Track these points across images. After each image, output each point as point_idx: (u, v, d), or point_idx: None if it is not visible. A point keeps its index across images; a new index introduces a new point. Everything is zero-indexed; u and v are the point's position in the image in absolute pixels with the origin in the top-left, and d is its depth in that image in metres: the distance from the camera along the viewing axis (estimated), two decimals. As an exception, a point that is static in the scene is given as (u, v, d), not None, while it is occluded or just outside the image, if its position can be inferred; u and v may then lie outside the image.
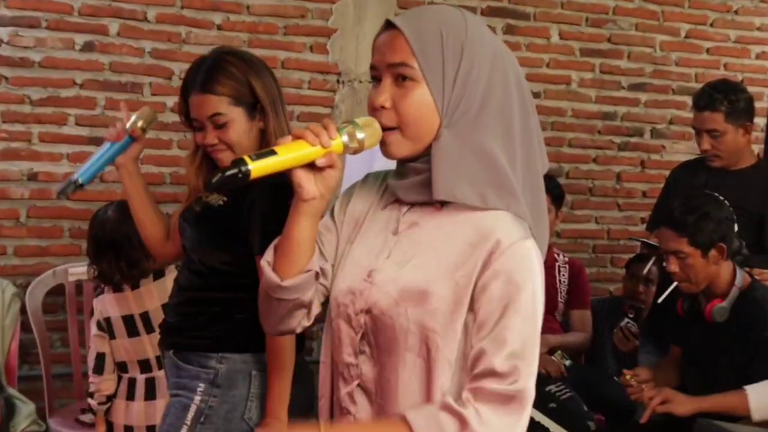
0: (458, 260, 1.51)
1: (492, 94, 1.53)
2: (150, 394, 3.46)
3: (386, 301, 1.54)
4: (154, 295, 3.43)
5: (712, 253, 3.04)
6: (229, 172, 1.44)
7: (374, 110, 1.54)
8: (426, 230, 1.56)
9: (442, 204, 1.55)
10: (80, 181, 2.43)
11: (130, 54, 4.30)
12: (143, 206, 2.60)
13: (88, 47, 4.24)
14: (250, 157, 1.46)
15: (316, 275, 1.60)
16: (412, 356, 1.52)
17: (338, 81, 4.63)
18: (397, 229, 1.59)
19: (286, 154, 1.48)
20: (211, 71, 2.34)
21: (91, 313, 3.59)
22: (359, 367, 1.58)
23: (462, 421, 1.44)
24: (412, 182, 1.57)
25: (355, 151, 1.53)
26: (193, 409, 2.35)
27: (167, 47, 4.34)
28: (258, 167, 1.45)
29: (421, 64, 1.50)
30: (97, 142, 4.21)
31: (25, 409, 3.82)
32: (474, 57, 1.52)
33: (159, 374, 3.42)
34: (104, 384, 3.49)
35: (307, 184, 1.51)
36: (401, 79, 1.52)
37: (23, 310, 3.94)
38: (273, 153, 1.48)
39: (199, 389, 2.35)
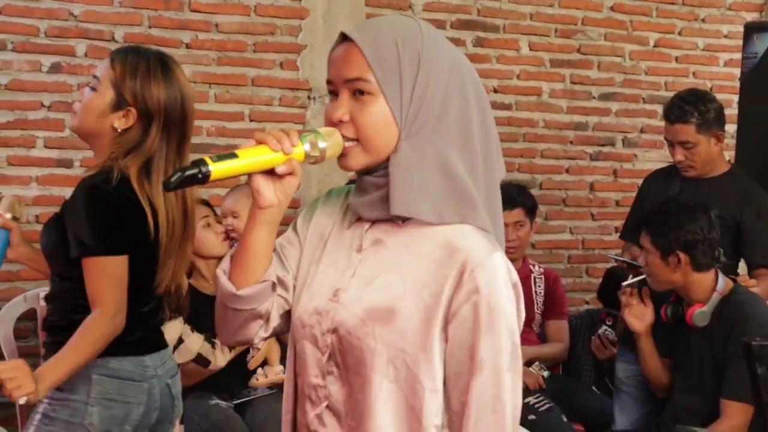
0: (425, 278, 1.49)
1: (450, 104, 1.52)
2: None
3: (352, 321, 1.51)
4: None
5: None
6: (188, 172, 1.45)
7: (332, 125, 1.53)
8: (390, 247, 1.54)
9: (404, 219, 1.53)
10: None
11: (98, 74, 4.26)
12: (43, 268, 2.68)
13: (55, 69, 4.20)
14: (210, 158, 1.46)
15: (273, 286, 1.59)
16: (380, 377, 1.49)
17: (309, 97, 4.62)
18: (361, 247, 1.57)
19: (247, 158, 1.49)
20: (134, 51, 2.45)
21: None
22: (327, 388, 1.55)
23: None
24: (371, 199, 1.54)
25: (316, 161, 1.53)
26: (41, 411, 2.36)
27: (136, 67, 4.30)
28: (218, 169, 1.46)
29: (378, 77, 1.49)
30: (66, 164, 4.20)
31: (-2, 436, 3.75)
32: (431, 67, 1.51)
33: None
34: None
35: (266, 190, 1.51)
36: (359, 93, 1.51)
37: (-5, 336, 3.89)
38: (234, 156, 1.48)
39: (49, 394, 2.33)
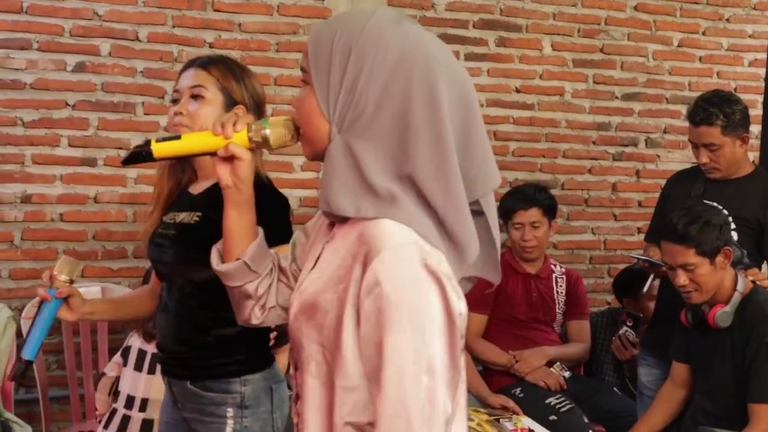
0: (341, 272, 1.45)
1: (388, 101, 1.45)
2: (121, 431, 3.51)
3: (292, 314, 1.55)
4: None
5: (719, 258, 3.07)
6: (134, 149, 1.65)
7: None
8: (337, 241, 1.53)
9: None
10: (28, 359, 2.33)
11: (122, 74, 4.30)
12: (123, 316, 2.73)
13: (79, 68, 4.24)
14: (156, 139, 1.64)
15: (247, 266, 1.70)
16: (306, 372, 1.50)
17: (331, 97, 4.63)
18: (327, 240, 1.59)
19: (189, 141, 1.65)
20: (218, 58, 2.49)
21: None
22: (296, 380, 1.59)
23: None
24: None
25: (261, 146, 1.64)
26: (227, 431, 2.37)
27: (159, 66, 4.33)
28: (159, 148, 1.64)
29: (311, 68, 1.51)
30: (90, 162, 4.23)
31: (22, 432, 3.79)
32: (364, 60, 1.46)
33: (136, 415, 3.51)
34: (100, 401, 3.67)
35: (222, 173, 1.66)
36: (303, 83, 1.56)
37: (19, 334, 3.91)
38: (178, 138, 1.65)
39: (228, 414, 2.35)
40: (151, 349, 3.52)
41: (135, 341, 3.61)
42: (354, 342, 1.41)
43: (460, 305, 1.41)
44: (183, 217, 2.42)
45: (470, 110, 1.52)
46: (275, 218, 2.18)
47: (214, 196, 2.25)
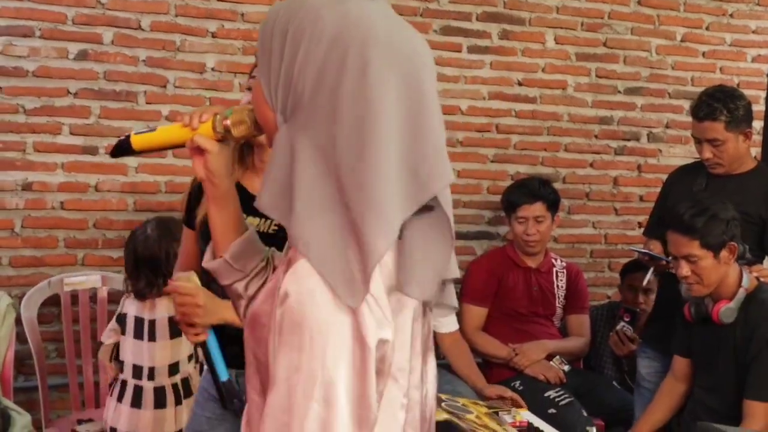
0: (276, 281, 1.34)
1: (323, 84, 1.31)
2: (136, 401, 3.53)
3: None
4: (165, 305, 3.52)
5: (723, 253, 3.07)
6: (117, 141, 1.67)
7: None
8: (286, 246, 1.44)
9: None
10: (226, 378, 2.31)
11: (124, 62, 4.29)
12: None
13: (82, 56, 4.23)
14: (135, 132, 1.67)
15: (229, 264, 1.63)
16: (250, 386, 1.40)
17: (333, 88, 4.63)
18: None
19: (161, 133, 1.65)
20: None
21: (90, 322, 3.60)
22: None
23: None
24: None
25: (224, 138, 1.59)
26: None
27: (162, 55, 4.32)
28: (138, 140, 1.66)
29: (257, 56, 1.44)
30: (91, 151, 4.22)
31: (21, 420, 3.78)
32: (300, 41, 1.34)
33: (147, 384, 3.54)
34: (106, 368, 3.73)
35: (196, 166, 1.61)
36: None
37: (18, 321, 3.92)
38: (153, 130, 1.67)
39: None
40: (147, 315, 3.55)
41: (130, 308, 3.61)
42: None
43: (380, 332, 1.26)
44: (257, 224, 2.30)
45: (420, 98, 1.34)
46: None
47: None
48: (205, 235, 2.36)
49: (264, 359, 1.31)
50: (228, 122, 1.56)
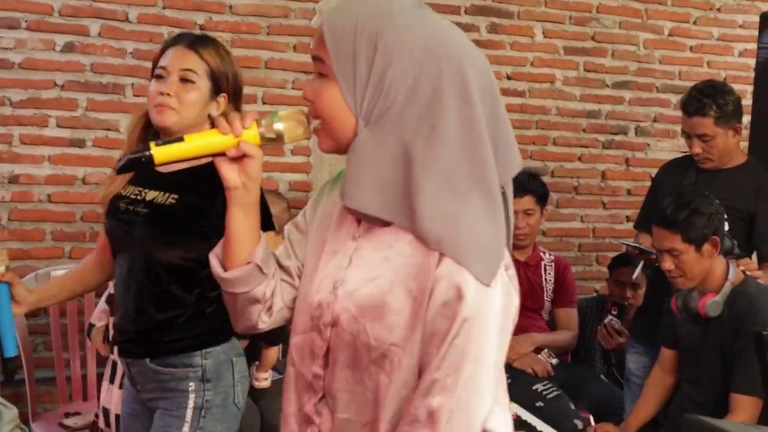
0: (410, 270, 1.42)
1: (420, 91, 1.42)
2: None
3: (346, 317, 1.47)
4: None
5: (706, 247, 3.07)
6: (132, 156, 1.50)
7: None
8: (380, 235, 1.48)
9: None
10: (13, 355, 2.37)
11: (111, 55, 4.27)
12: (71, 295, 2.73)
13: (68, 48, 4.20)
14: (156, 142, 1.50)
15: (259, 269, 1.59)
16: (374, 372, 1.46)
17: (322, 81, 4.62)
18: (356, 234, 1.53)
19: (194, 142, 1.51)
20: (207, 40, 2.46)
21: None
22: (326, 380, 1.52)
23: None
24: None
25: (272, 142, 1.53)
26: (190, 407, 2.37)
27: (149, 48, 4.30)
28: (161, 153, 1.50)
29: (332, 60, 1.45)
30: (78, 143, 4.20)
31: (8, 413, 3.75)
32: (392, 53, 1.42)
33: None
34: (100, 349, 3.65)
35: (229, 173, 1.54)
36: (319, 74, 1.49)
37: (5, 314, 3.89)
38: (180, 140, 1.51)
39: (190, 388, 2.37)
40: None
41: None
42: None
43: (513, 299, 1.47)
44: (155, 196, 2.39)
45: (496, 96, 1.49)
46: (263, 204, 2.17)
47: (194, 180, 2.26)
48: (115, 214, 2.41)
49: (402, 342, 1.42)
50: (280, 127, 1.52)
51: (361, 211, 1.43)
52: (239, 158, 1.52)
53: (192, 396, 2.37)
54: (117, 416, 3.42)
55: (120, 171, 1.55)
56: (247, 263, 1.60)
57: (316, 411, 1.54)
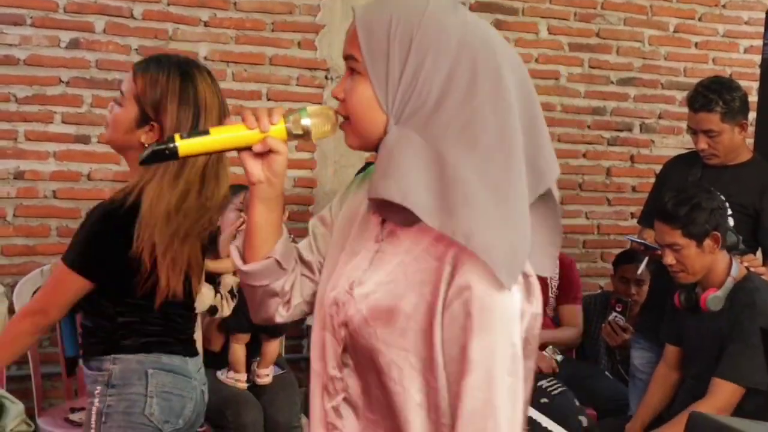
0: (424, 275, 1.41)
1: (453, 92, 1.40)
2: None
3: (358, 319, 1.46)
4: None
5: (707, 242, 3.06)
6: (156, 147, 1.49)
7: (337, 100, 1.52)
8: (401, 239, 1.47)
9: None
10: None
11: (116, 51, 4.27)
12: None
13: (73, 44, 4.21)
14: (181, 135, 1.48)
15: (279, 263, 1.59)
16: (387, 377, 1.44)
17: (326, 77, 4.62)
18: (379, 236, 1.51)
19: (219, 135, 1.50)
20: (151, 61, 2.39)
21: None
22: (344, 381, 1.51)
23: None
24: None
25: (304, 139, 1.52)
26: (94, 411, 2.36)
27: (154, 44, 4.30)
28: (186, 145, 1.48)
29: (365, 57, 1.43)
30: (83, 140, 4.21)
31: (14, 409, 3.78)
32: (427, 49, 1.41)
33: None
34: None
35: (253, 168, 1.52)
36: (351, 72, 1.48)
37: (11, 310, 3.90)
38: (206, 133, 1.50)
39: (97, 392, 2.36)
40: None
41: None
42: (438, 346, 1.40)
43: (532, 307, 1.44)
44: None
45: (532, 96, 1.47)
46: None
47: None
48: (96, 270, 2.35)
49: (414, 347, 1.41)
50: (308, 123, 1.50)
51: (384, 197, 1.39)
52: (264, 153, 1.51)
53: (96, 400, 2.36)
54: None
55: (143, 162, 1.53)
56: (267, 257, 1.59)
57: (337, 413, 1.53)
